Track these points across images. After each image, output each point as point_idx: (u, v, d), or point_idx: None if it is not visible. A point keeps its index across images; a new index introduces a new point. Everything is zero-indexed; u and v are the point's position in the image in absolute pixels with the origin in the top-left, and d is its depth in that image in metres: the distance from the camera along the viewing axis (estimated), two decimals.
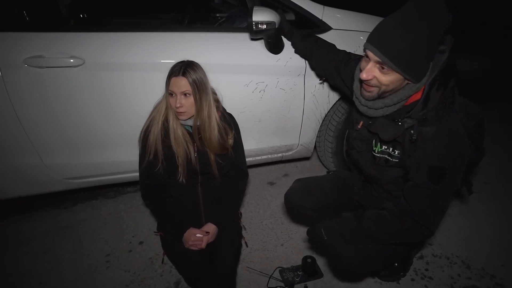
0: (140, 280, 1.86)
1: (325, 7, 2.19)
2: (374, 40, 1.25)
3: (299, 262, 1.91)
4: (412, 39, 1.19)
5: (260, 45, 2.06)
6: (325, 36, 2.12)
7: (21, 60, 1.75)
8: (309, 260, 1.87)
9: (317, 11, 2.16)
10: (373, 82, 1.30)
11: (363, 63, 1.34)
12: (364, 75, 1.29)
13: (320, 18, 2.15)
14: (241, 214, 2.02)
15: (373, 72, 1.28)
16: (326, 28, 2.16)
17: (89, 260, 1.99)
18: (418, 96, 1.32)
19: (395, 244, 1.51)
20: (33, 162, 1.96)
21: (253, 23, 1.88)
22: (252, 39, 2.04)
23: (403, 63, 1.22)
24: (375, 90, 1.33)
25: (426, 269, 1.91)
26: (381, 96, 1.34)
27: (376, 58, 1.25)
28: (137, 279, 1.87)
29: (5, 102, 1.79)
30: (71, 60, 1.80)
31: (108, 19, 3.08)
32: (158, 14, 3.27)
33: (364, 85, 1.36)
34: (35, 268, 1.94)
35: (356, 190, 1.78)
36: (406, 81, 1.29)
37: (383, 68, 1.26)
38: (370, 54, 1.27)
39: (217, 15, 2.83)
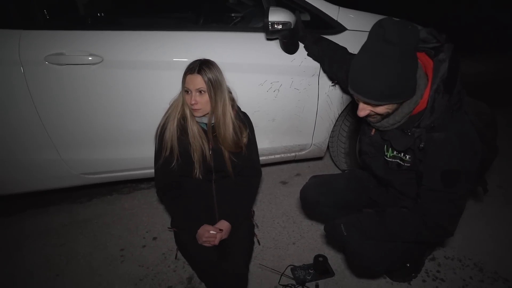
0: (154, 275, 1.90)
1: (340, 8, 2.19)
2: (353, 87, 1.32)
3: (311, 261, 1.92)
4: (385, 74, 1.23)
5: (275, 45, 2.08)
6: (340, 37, 2.13)
7: (42, 57, 1.80)
8: (320, 259, 1.88)
9: (333, 12, 2.17)
10: (371, 114, 1.38)
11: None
12: (360, 113, 1.38)
13: (335, 19, 2.16)
14: (253, 212, 2.04)
15: (366, 109, 1.36)
16: (341, 29, 2.17)
17: (104, 254, 2.03)
18: (423, 105, 1.34)
19: (413, 243, 1.52)
20: (52, 157, 2.01)
21: (269, 23, 1.89)
22: (268, 39, 2.06)
23: (387, 97, 1.28)
24: (376, 117, 1.41)
25: (438, 271, 1.90)
26: (384, 118, 1.41)
27: (363, 100, 1.32)
28: (150, 273, 1.91)
29: (26, 98, 1.84)
30: (90, 58, 1.85)
31: (124, 18, 3.14)
32: (174, 13, 3.31)
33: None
34: (52, 260, 1.99)
35: (372, 188, 1.79)
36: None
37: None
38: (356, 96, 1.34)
39: (232, 15, 2.86)
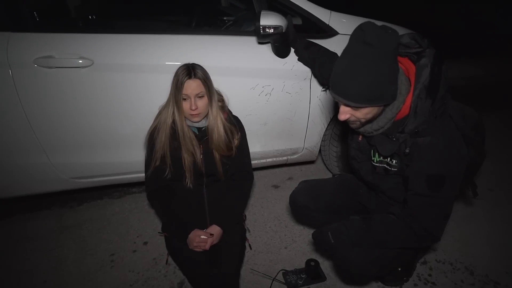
0: (144, 280, 1.88)
1: (332, 12, 2.20)
2: (334, 89, 1.31)
3: (303, 265, 1.91)
4: (364, 76, 1.22)
5: (267, 48, 2.08)
6: (331, 41, 2.14)
7: (31, 60, 1.78)
8: (312, 263, 1.88)
9: (324, 16, 2.17)
10: (352, 118, 1.37)
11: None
12: (341, 117, 1.37)
13: (327, 23, 2.17)
14: (245, 216, 2.03)
15: (347, 113, 1.35)
16: (333, 33, 2.18)
17: (94, 259, 2.00)
18: (406, 111, 1.34)
19: (401, 248, 1.51)
20: (40, 161, 1.98)
21: (261, 27, 1.89)
22: (260, 43, 2.06)
23: (367, 100, 1.27)
24: (356, 123, 1.40)
25: (430, 275, 1.91)
26: (365, 124, 1.40)
27: (343, 102, 1.31)
28: (141, 279, 1.88)
29: (15, 101, 1.81)
30: (80, 61, 1.83)
31: (116, 21, 3.12)
32: (166, 16, 3.30)
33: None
34: (40, 266, 1.96)
35: (362, 193, 1.79)
36: (382, 106, 1.33)
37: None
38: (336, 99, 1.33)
39: (225, 18, 2.85)
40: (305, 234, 2.19)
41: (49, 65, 1.80)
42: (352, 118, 1.36)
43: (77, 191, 2.37)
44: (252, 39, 2.06)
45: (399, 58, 1.35)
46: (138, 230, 2.21)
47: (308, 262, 1.89)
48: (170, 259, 1.92)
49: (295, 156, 2.48)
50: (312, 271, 1.87)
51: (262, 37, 1.96)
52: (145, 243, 2.12)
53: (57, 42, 1.83)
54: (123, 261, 2.00)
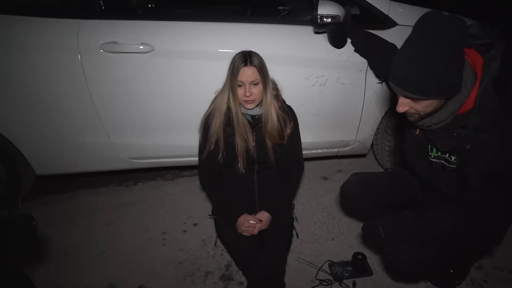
0: (193, 260, 1.96)
1: (391, 1, 2.12)
2: (394, 79, 1.25)
3: (349, 258, 1.90)
4: (426, 67, 1.16)
5: (323, 38, 2.05)
6: (390, 32, 2.07)
7: (97, 45, 1.89)
8: (359, 256, 1.86)
9: (383, 5, 2.10)
10: (411, 111, 1.31)
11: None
12: (399, 109, 1.31)
13: (386, 14, 2.09)
14: (293, 205, 2.04)
15: (406, 105, 1.29)
16: (392, 23, 2.10)
17: (147, 236, 2.12)
18: (470, 105, 1.26)
19: (455, 249, 1.45)
20: (102, 140, 2.11)
21: (318, 16, 1.87)
22: (316, 33, 2.04)
23: (428, 92, 1.21)
24: (415, 116, 1.34)
25: (485, 280, 1.81)
26: (424, 117, 1.33)
27: (403, 93, 1.25)
28: (190, 258, 1.97)
29: (82, 83, 1.94)
30: (141, 47, 1.92)
31: (174, 9, 3.22)
32: (222, 5, 3.35)
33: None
34: (99, 237, 2.11)
35: (415, 189, 1.73)
36: (444, 99, 1.26)
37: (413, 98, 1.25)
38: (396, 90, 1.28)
39: (280, 8, 2.85)
40: (353, 227, 2.17)
41: (113, 50, 1.90)
42: (411, 111, 1.31)
43: (132, 171, 2.51)
44: (308, 29, 2.05)
45: (465, 50, 1.28)
46: (188, 211, 2.30)
47: (355, 255, 1.88)
48: (218, 241, 1.99)
49: (347, 149, 2.44)
50: (358, 265, 1.86)
51: (319, 27, 1.94)
52: (195, 224, 2.21)
53: (121, 29, 1.94)
54: (174, 239, 2.10)
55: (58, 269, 1.91)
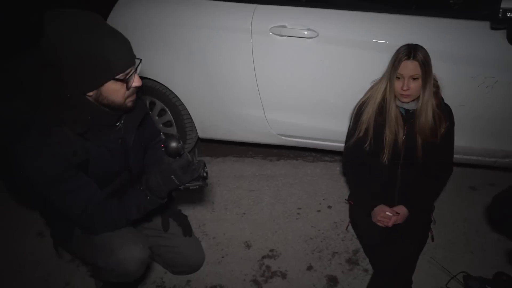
0: (323, 238, 2.06)
1: None
2: None
3: (490, 277, 1.73)
4: None
5: (499, 36, 1.87)
6: None
7: (268, 28, 2.09)
8: (504, 277, 1.69)
9: None
10: None
11: None
12: None
13: None
14: (434, 207, 1.95)
15: None
16: None
17: (283, 208, 2.29)
18: None
19: None
20: (258, 114, 2.33)
21: (501, 10, 1.71)
22: (493, 28, 1.87)
23: None
24: None
25: None
26: None
27: None
28: (320, 235, 2.07)
29: (249, 61, 2.17)
30: (306, 32, 2.05)
31: None
32: None
33: None
34: (242, 201, 2.37)
35: None
36: None
37: None
38: None
39: (451, 1, 2.65)
40: (499, 245, 1.97)
41: (281, 33, 2.08)
42: None
43: (276, 147, 2.72)
44: (482, 24, 1.90)
45: None
46: (324, 194, 2.40)
47: (499, 275, 1.70)
48: (350, 227, 2.04)
49: (507, 160, 2.19)
50: (501, 286, 1.68)
51: (499, 22, 1.77)
52: (329, 206, 2.29)
53: (289, 14, 2.09)
54: (308, 216, 2.22)
55: (206, 219, 2.23)
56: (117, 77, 1.19)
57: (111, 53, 1.15)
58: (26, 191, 1.33)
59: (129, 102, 1.30)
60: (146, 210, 1.35)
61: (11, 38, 3.02)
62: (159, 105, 2.50)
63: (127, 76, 1.22)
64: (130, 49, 1.22)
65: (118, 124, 1.39)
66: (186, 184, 1.30)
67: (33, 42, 1.16)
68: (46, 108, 1.17)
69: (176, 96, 2.40)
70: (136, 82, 1.26)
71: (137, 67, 1.26)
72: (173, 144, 1.23)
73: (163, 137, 1.73)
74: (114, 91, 1.22)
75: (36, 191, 1.25)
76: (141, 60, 1.28)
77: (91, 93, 1.21)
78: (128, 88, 1.24)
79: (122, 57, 1.18)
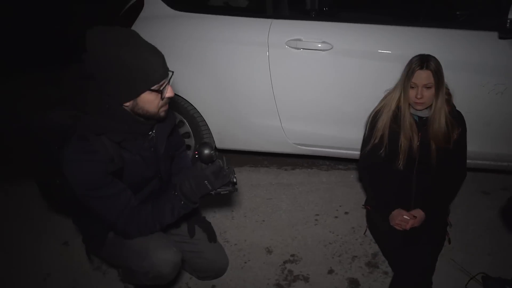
0: (342, 243, 2.11)
1: None
2: None
3: (508, 277, 1.78)
4: None
5: (507, 44, 1.96)
6: None
7: (284, 41, 2.19)
8: None
9: None
10: None
11: None
12: None
13: None
14: (449, 210, 2.01)
15: None
16: None
17: (301, 215, 2.35)
18: None
19: None
20: (274, 124, 2.41)
21: (508, 20, 1.80)
22: (501, 38, 1.95)
23: None
24: None
25: None
26: None
27: None
28: (339, 240, 2.13)
29: (266, 73, 2.27)
30: (320, 45, 2.15)
31: (344, 12, 3.38)
32: (393, 8, 3.36)
33: None
34: (260, 208, 2.43)
35: None
36: None
37: None
38: None
39: (457, 12, 2.75)
40: None
41: (297, 46, 2.19)
42: None
43: (291, 157, 2.79)
44: (490, 34, 1.99)
45: None
46: (341, 200, 2.46)
47: None
48: (368, 232, 2.09)
49: None
50: None
51: (507, 32, 1.86)
52: (346, 213, 2.35)
53: (305, 28, 2.21)
54: (325, 222, 2.28)
55: (226, 227, 2.28)
56: (153, 88, 1.28)
57: (148, 66, 1.24)
58: (66, 197, 1.40)
59: (162, 112, 1.38)
60: (179, 214, 1.42)
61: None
62: (177, 117, 2.57)
63: (161, 87, 1.30)
64: (164, 62, 1.31)
65: (151, 133, 1.47)
66: (217, 189, 1.38)
67: (78, 57, 1.26)
68: (86, 118, 1.26)
69: (195, 108, 2.49)
70: (169, 93, 1.34)
71: (170, 79, 1.35)
72: (207, 151, 1.32)
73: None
74: (150, 101, 1.31)
75: (77, 196, 1.33)
76: (173, 72, 1.37)
77: (128, 104, 1.30)
78: (162, 99, 1.33)
79: (158, 69, 1.27)
